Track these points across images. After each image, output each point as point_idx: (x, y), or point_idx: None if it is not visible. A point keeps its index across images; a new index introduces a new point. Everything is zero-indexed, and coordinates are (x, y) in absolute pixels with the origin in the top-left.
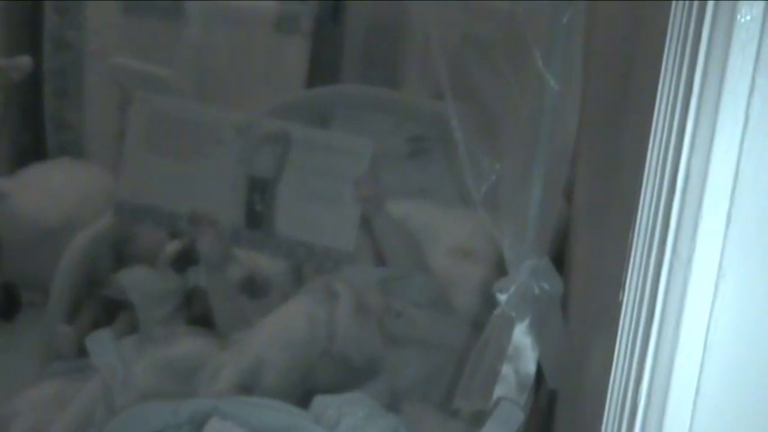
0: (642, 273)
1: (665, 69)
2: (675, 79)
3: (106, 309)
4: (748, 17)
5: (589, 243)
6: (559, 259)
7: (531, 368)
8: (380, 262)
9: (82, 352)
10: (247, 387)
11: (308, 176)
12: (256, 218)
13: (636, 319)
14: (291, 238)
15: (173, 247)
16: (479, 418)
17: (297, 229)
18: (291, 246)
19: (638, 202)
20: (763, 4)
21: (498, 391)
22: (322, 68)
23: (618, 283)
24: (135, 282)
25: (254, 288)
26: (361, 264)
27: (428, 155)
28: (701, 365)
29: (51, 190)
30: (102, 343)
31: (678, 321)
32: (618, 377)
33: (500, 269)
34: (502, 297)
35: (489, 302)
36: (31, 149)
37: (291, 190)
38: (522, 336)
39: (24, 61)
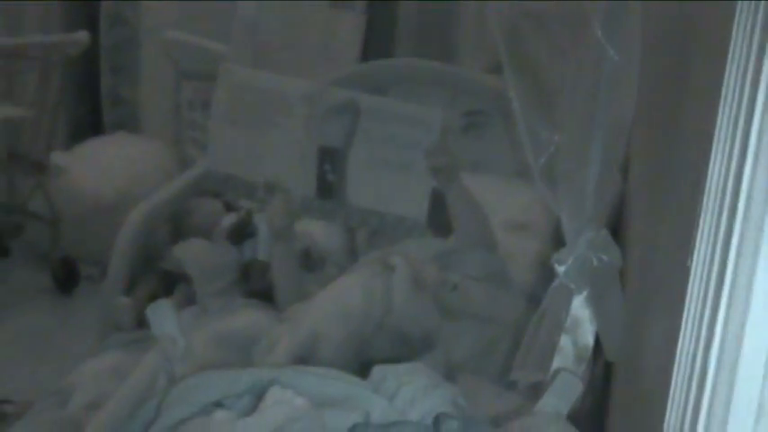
0: (712, 238)
1: (735, 41)
2: (746, 46)
3: (163, 282)
4: None
5: (647, 214)
6: (614, 232)
7: (589, 340)
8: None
9: (140, 324)
10: (303, 360)
11: (378, 146)
12: (327, 187)
13: (705, 284)
14: (363, 208)
15: (229, 221)
16: (537, 390)
17: (368, 198)
18: (363, 215)
19: (707, 168)
20: None
21: (556, 363)
22: (376, 43)
23: (681, 253)
24: (192, 255)
25: (309, 261)
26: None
27: (482, 128)
28: None
29: (107, 164)
30: (162, 314)
31: (749, 284)
32: (686, 342)
33: (556, 242)
34: (560, 269)
35: (545, 275)
36: (88, 124)
37: (362, 159)
38: (580, 307)
39: (81, 37)
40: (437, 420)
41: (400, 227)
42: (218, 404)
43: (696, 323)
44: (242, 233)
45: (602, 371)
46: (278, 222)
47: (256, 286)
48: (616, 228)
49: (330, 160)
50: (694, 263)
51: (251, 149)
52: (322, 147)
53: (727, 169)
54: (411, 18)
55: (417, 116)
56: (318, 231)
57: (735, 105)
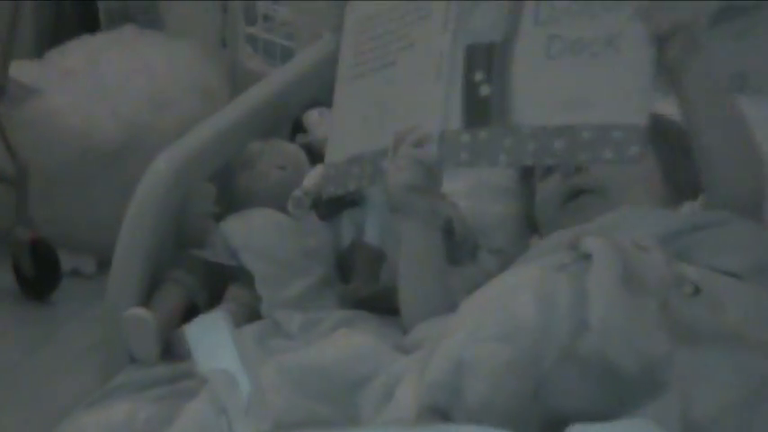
0: None
1: None
2: None
3: (206, 281)
4: None
5: None
6: None
7: None
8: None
9: (169, 352)
10: (443, 411)
11: (559, 19)
12: (482, 107)
13: None
14: (542, 126)
15: (313, 180)
16: None
17: (549, 108)
18: (544, 137)
19: None
20: None
21: None
22: None
23: None
24: (254, 236)
25: (449, 246)
26: None
27: (744, 19)
28: None
29: (107, 82)
30: (210, 335)
31: None
32: None
33: None
34: None
35: None
36: (73, 14)
37: (535, 48)
38: None
39: None
40: None
41: (606, 144)
42: None
43: None
44: (337, 200)
45: None
46: (403, 184)
47: (363, 290)
48: None
49: (484, 64)
50: None
51: (380, 100)
52: (470, 46)
53: None
54: None
55: None
56: (466, 196)
57: None
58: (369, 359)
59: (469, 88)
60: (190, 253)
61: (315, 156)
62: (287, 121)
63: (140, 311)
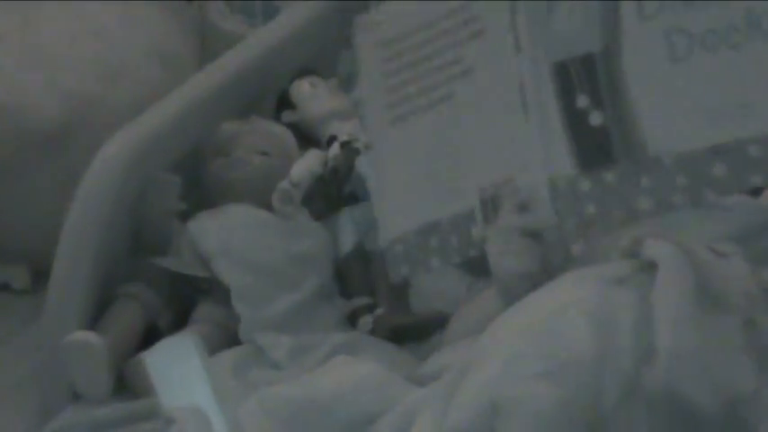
0: None
1: None
2: None
3: (169, 297)
4: None
5: None
6: None
7: None
8: None
9: (123, 386)
10: None
11: (670, 15)
12: (599, 142)
13: None
14: (690, 151)
15: (303, 169)
16: None
17: (693, 126)
18: (696, 165)
19: None
20: None
21: None
22: None
23: None
24: (227, 240)
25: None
26: None
27: None
28: None
29: (41, 46)
30: (176, 365)
31: None
32: None
33: None
34: None
35: None
36: None
37: (650, 54)
38: None
39: None
40: None
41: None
42: None
43: None
44: (336, 193)
45: None
46: (519, 275)
47: (396, 319)
48: None
49: (586, 84)
50: None
51: (445, 144)
52: (559, 64)
53: None
54: None
55: None
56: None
57: None
58: (376, 392)
59: (573, 118)
60: (149, 261)
61: (305, 138)
62: (270, 95)
63: (86, 335)
